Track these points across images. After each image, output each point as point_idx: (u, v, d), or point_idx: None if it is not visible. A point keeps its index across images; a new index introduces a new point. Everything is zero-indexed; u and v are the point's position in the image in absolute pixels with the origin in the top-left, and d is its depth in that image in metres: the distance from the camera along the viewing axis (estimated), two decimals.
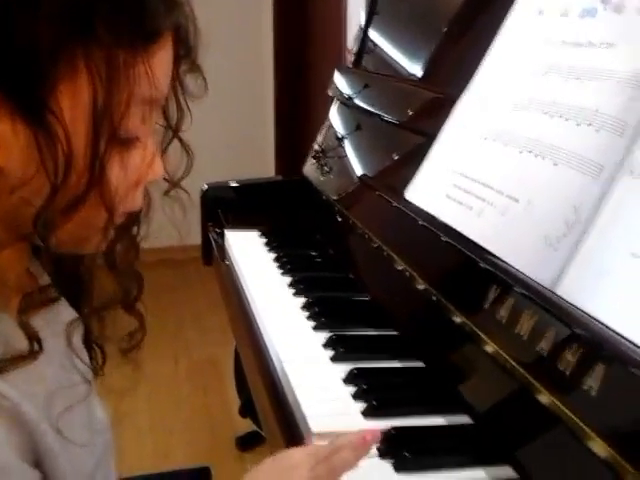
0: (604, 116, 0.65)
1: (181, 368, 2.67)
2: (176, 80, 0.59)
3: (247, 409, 2.03)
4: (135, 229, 0.63)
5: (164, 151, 0.61)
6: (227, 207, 1.53)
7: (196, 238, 1.53)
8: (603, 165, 0.63)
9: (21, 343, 0.53)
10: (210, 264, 1.50)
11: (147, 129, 0.56)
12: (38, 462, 0.54)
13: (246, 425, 2.05)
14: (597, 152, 0.64)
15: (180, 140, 0.62)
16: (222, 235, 1.42)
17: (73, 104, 0.50)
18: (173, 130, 0.61)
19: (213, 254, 1.44)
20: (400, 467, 0.67)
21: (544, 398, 0.63)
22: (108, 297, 0.63)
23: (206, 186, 1.54)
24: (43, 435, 0.54)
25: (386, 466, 0.68)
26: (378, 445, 0.69)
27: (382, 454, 0.69)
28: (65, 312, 0.65)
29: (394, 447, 0.69)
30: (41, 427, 0.53)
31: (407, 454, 0.68)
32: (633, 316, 0.54)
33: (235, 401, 2.14)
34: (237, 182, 1.57)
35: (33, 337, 0.53)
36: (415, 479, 0.65)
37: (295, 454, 0.63)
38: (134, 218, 0.62)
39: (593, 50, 0.70)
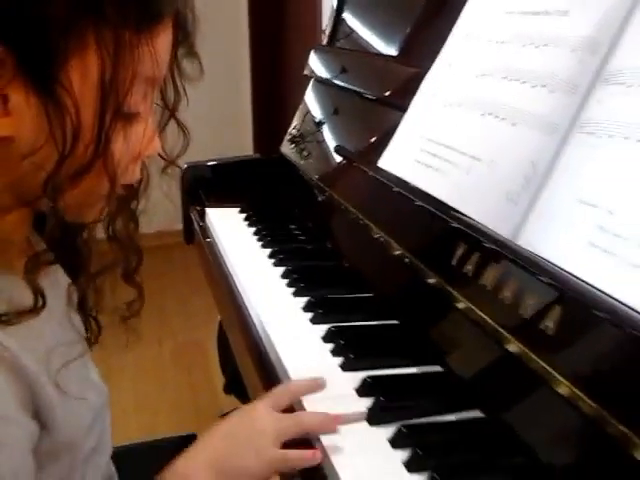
0: (558, 78, 0.69)
1: (165, 350, 2.70)
2: (174, 63, 0.62)
3: (231, 386, 2.07)
4: (134, 203, 0.67)
5: (162, 130, 0.65)
6: (207, 186, 1.56)
7: (178, 224, 1.56)
8: (557, 123, 0.68)
9: (24, 300, 0.56)
10: (192, 242, 1.54)
11: (148, 106, 0.60)
12: (37, 413, 0.57)
13: (231, 402, 2.09)
14: (552, 111, 0.69)
15: (177, 120, 0.66)
16: (203, 213, 1.46)
17: (82, 79, 0.53)
18: (170, 111, 0.65)
19: (194, 232, 1.48)
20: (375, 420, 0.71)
21: (510, 344, 0.68)
22: (104, 264, 0.67)
23: (185, 165, 1.57)
24: (42, 387, 0.57)
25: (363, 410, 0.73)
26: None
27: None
28: (63, 278, 0.69)
29: (370, 393, 0.74)
30: (41, 379, 0.57)
31: (382, 398, 0.73)
32: (583, 257, 0.59)
33: (219, 380, 2.18)
34: (216, 161, 1.60)
35: (38, 291, 0.57)
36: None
37: (261, 410, 0.70)
38: (133, 192, 0.66)
39: (549, 18, 0.74)
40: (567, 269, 0.60)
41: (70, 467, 0.64)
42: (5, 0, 0.50)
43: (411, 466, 0.63)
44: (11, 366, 0.54)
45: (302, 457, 0.66)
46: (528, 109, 0.72)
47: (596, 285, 0.56)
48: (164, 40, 0.58)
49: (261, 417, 0.69)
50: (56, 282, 0.66)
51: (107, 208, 0.63)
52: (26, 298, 0.57)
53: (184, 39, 0.62)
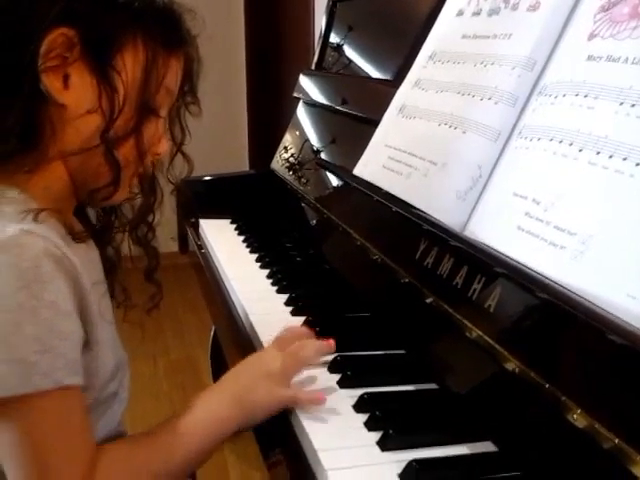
0: (501, 91, 0.80)
1: (160, 367, 2.77)
2: (180, 101, 0.80)
3: None
4: (151, 216, 0.82)
5: (171, 162, 0.82)
6: (201, 199, 1.66)
7: (172, 246, 1.65)
8: (500, 130, 0.78)
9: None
10: (186, 251, 1.63)
11: (163, 111, 0.77)
12: (84, 324, 0.68)
13: None
14: (496, 120, 0.79)
15: (183, 153, 0.82)
16: (197, 224, 1.56)
17: (131, 69, 0.70)
18: (177, 145, 0.81)
19: (189, 241, 1.57)
20: (344, 384, 0.81)
21: (461, 325, 0.77)
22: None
23: (180, 180, 1.66)
24: (91, 304, 0.68)
25: (334, 385, 0.82)
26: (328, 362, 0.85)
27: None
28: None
29: (339, 370, 0.83)
30: (91, 296, 0.68)
31: (349, 373, 0.82)
32: (513, 239, 0.69)
33: None
34: (210, 176, 1.71)
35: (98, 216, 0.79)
36: (356, 392, 0.79)
37: (270, 351, 0.82)
38: (150, 207, 0.81)
39: (496, 40, 0.85)
40: (500, 250, 0.70)
41: (95, 399, 0.73)
42: None
43: (369, 425, 0.72)
44: (73, 277, 0.65)
45: (309, 398, 0.76)
46: (476, 119, 0.82)
47: (522, 261, 0.66)
48: (181, 62, 0.76)
49: (272, 359, 0.79)
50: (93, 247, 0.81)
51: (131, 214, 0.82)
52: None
53: (189, 89, 0.80)
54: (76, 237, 0.71)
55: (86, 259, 0.73)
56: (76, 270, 0.65)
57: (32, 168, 0.69)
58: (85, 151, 0.70)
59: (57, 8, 0.66)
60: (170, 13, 0.74)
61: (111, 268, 0.85)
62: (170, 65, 0.73)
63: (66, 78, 0.68)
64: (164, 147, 0.78)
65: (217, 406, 0.75)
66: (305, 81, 1.67)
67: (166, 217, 0.86)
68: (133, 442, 0.75)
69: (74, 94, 0.68)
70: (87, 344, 0.69)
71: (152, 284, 0.85)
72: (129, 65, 0.70)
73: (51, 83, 0.67)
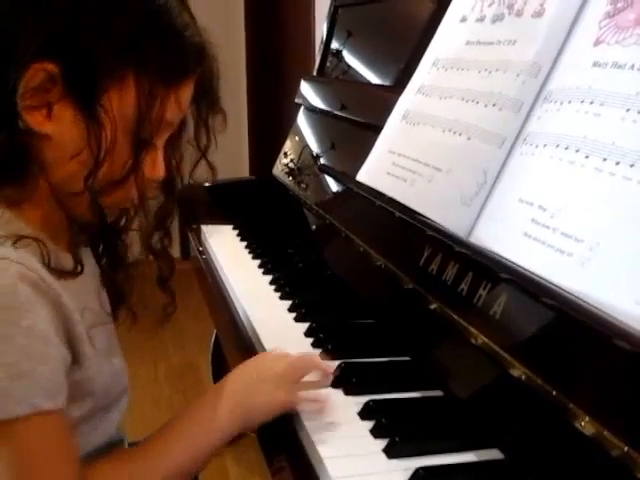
0: (505, 98, 0.80)
1: (160, 372, 2.77)
2: (200, 114, 0.76)
3: None
4: (169, 221, 0.79)
5: (194, 168, 0.79)
6: (203, 205, 1.66)
7: (174, 251, 1.65)
8: (505, 136, 0.78)
9: (65, 266, 0.69)
10: (188, 257, 1.63)
11: (161, 141, 0.72)
12: (69, 344, 0.66)
13: None
14: (501, 127, 0.79)
15: (207, 161, 0.80)
16: (199, 230, 1.56)
17: (120, 108, 0.65)
18: (202, 153, 0.79)
19: (191, 247, 1.57)
20: (349, 392, 0.81)
21: (466, 332, 0.77)
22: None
23: (181, 187, 1.66)
24: (76, 324, 0.67)
25: (338, 392, 0.82)
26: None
27: (334, 385, 0.83)
28: (94, 265, 0.81)
29: (344, 377, 0.83)
30: (75, 316, 0.67)
31: (354, 380, 0.82)
32: (519, 246, 0.69)
33: None
34: (210, 182, 1.70)
35: (78, 260, 0.70)
36: (361, 399, 0.79)
37: (274, 353, 0.81)
38: (169, 211, 0.79)
39: (500, 47, 0.85)
40: (506, 257, 0.70)
41: (92, 411, 0.73)
42: (66, 28, 0.62)
43: (375, 432, 0.72)
44: (52, 300, 0.63)
45: (311, 402, 0.75)
46: (481, 125, 0.82)
47: (528, 268, 0.66)
48: (185, 94, 0.71)
49: (275, 361, 0.78)
50: (88, 263, 0.77)
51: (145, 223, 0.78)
52: (66, 265, 0.69)
53: (210, 102, 0.76)
54: (53, 273, 0.66)
55: (72, 284, 0.69)
56: (55, 291, 0.64)
57: (23, 199, 0.67)
58: (72, 195, 0.67)
59: (39, 40, 0.62)
60: (176, 39, 0.68)
61: (113, 274, 0.82)
62: (168, 100, 0.68)
63: (50, 109, 0.64)
64: (160, 173, 0.73)
65: (216, 410, 0.74)
66: (306, 87, 1.67)
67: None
68: (117, 460, 0.73)
69: (57, 125, 0.65)
70: (77, 361, 0.68)
71: (166, 293, 0.82)
72: (117, 104, 0.65)
73: (33, 118, 0.64)
